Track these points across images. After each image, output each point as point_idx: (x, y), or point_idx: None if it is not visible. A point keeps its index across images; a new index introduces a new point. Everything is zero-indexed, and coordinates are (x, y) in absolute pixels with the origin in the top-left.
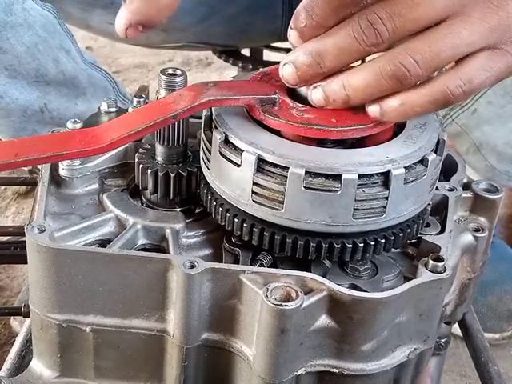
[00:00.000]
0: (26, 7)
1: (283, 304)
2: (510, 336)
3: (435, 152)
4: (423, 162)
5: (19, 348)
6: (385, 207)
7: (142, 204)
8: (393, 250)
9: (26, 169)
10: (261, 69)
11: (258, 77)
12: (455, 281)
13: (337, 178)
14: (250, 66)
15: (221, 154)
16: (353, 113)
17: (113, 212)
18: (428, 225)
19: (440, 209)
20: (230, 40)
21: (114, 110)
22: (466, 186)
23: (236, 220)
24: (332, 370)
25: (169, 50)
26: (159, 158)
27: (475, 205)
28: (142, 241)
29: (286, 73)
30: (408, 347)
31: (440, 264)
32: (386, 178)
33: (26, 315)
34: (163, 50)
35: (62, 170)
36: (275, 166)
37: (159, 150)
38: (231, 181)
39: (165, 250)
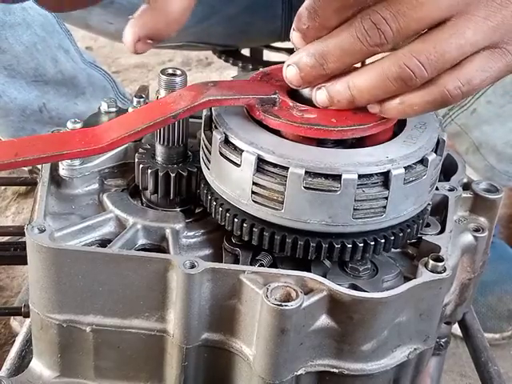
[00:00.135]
0: (24, 6)
1: (283, 304)
2: (510, 336)
3: (435, 152)
4: (423, 162)
5: (19, 348)
6: (384, 207)
7: (142, 204)
8: (393, 249)
9: (25, 169)
10: (261, 69)
11: (258, 77)
12: (455, 281)
13: (337, 177)
14: (250, 66)
15: (221, 153)
16: (353, 113)
17: (113, 212)
18: (428, 225)
19: (440, 209)
20: (230, 40)
21: (113, 109)
22: (466, 186)
23: (236, 220)
24: (332, 369)
25: (169, 50)
26: (159, 158)
27: (475, 205)
28: (142, 241)
29: (290, 74)
30: (408, 347)
31: (440, 264)
32: (385, 178)
33: (26, 315)
34: (163, 50)
35: (62, 170)
36: (275, 165)
37: (159, 150)
38: (231, 181)
39: (165, 250)
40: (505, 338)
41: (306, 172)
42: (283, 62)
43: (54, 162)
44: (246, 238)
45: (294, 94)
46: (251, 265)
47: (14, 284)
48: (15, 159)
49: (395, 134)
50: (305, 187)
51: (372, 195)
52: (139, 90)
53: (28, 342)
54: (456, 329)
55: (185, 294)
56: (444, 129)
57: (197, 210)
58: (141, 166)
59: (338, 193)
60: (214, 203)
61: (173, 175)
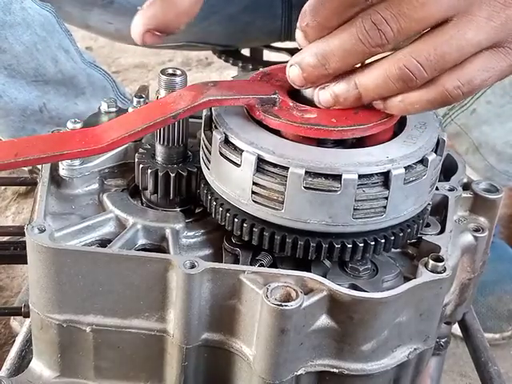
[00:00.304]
0: (24, 6)
1: (283, 304)
2: (510, 336)
3: (435, 152)
4: (423, 162)
5: (19, 348)
6: (385, 207)
7: (142, 204)
8: (393, 249)
9: (26, 169)
10: (261, 69)
11: (258, 77)
12: (455, 281)
13: (337, 177)
14: (250, 66)
15: (221, 154)
16: (353, 113)
17: (113, 212)
18: (428, 225)
19: (440, 209)
20: (230, 40)
21: (113, 109)
22: (466, 186)
23: (236, 220)
24: (332, 369)
25: (169, 50)
26: (159, 158)
27: (475, 205)
28: (141, 241)
29: (293, 74)
30: (408, 347)
31: (440, 264)
32: (385, 178)
33: (26, 315)
34: (163, 50)
35: (62, 170)
36: (275, 165)
37: (159, 150)
38: (231, 181)
39: (165, 250)
40: (505, 338)
41: (306, 172)
42: (283, 62)
43: (54, 162)
44: (246, 238)
45: (294, 94)
46: (251, 265)
47: (13, 284)
48: (15, 159)
49: (395, 134)
50: (305, 187)
51: (372, 195)
52: (139, 89)
53: (28, 342)
54: (456, 329)
55: (185, 294)
56: (444, 129)
57: (197, 210)
58: (141, 165)
59: (338, 193)
60: (214, 203)
61: (173, 175)
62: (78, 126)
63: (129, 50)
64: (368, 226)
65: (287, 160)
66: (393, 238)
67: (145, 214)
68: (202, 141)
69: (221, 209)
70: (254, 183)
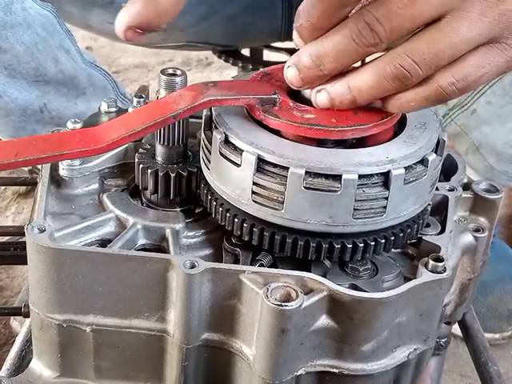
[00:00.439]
0: (25, 6)
1: (283, 304)
2: (509, 336)
3: (435, 152)
4: (423, 162)
5: (19, 348)
6: (385, 207)
7: (142, 204)
8: (393, 250)
9: (25, 169)
10: (261, 69)
11: (259, 77)
12: (455, 281)
13: (337, 178)
14: (250, 66)
15: (221, 153)
16: (353, 113)
17: (113, 212)
18: (428, 225)
19: (440, 209)
20: (230, 40)
21: (114, 110)
22: (466, 186)
23: (236, 220)
24: (332, 370)
25: (169, 50)
26: (159, 158)
27: (475, 205)
28: (142, 241)
29: (290, 75)
30: (408, 347)
31: (440, 264)
32: (386, 178)
33: (26, 315)
34: (163, 50)
35: (62, 170)
36: (275, 166)
37: (159, 150)
38: (231, 181)
39: (165, 250)
40: (505, 338)
41: (306, 172)
42: (283, 62)
43: (54, 161)
44: (246, 238)
45: (295, 94)
46: (251, 265)
47: (13, 284)
48: (15, 159)
49: (395, 134)
50: (305, 187)
51: (372, 195)
52: (139, 89)
53: (28, 342)
54: (456, 329)
55: (185, 294)
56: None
57: (197, 210)
58: (141, 166)
59: (339, 193)
60: (214, 203)
61: (173, 175)
62: (78, 126)
63: (129, 50)
64: (368, 226)
65: (287, 160)
66: (393, 238)
67: (145, 214)
68: (202, 141)
69: (221, 209)
70: (254, 183)
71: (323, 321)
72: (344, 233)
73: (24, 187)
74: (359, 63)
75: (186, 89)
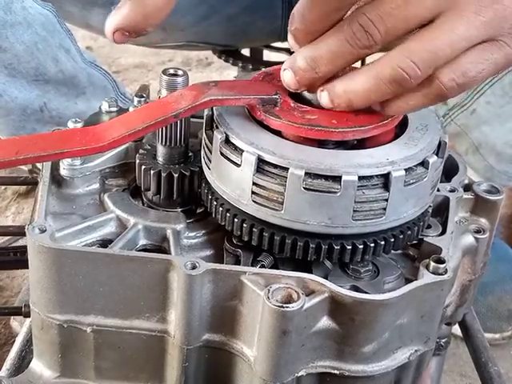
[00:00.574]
0: (25, 6)
1: (284, 305)
2: (509, 336)
3: (436, 154)
4: (424, 164)
5: (19, 348)
6: (384, 209)
7: (143, 204)
8: (393, 251)
9: (25, 168)
10: (262, 69)
11: (260, 77)
12: (456, 282)
13: (337, 179)
14: (250, 66)
15: (221, 153)
16: (354, 114)
17: (114, 212)
18: (429, 226)
19: (441, 210)
20: (230, 40)
21: (114, 109)
22: (467, 187)
23: (236, 220)
24: (333, 371)
25: (169, 50)
26: (160, 159)
27: (476, 206)
28: (142, 241)
29: (286, 78)
30: (409, 349)
31: (441, 266)
32: (386, 180)
33: (27, 315)
34: (163, 50)
35: (63, 170)
36: (275, 166)
37: (160, 151)
38: (231, 181)
39: (166, 251)
40: (505, 338)
41: (306, 173)
42: (284, 62)
43: (55, 160)
44: (245, 239)
45: (296, 95)
46: (252, 266)
47: (14, 284)
48: (16, 157)
49: (397, 136)
50: (305, 188)
51: (372, 197)
52: (140, 89)
53: (28, 342)
54: (456, 329)
55: (186, 294)
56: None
57: (198, 210)
58: (143, 166)
59: (338, 194)
60: (215, 203)
61: (176, 176)
62: (79, 125)
63: (129, 50)
64: (367, 228)
65: (287, 161)
66: (392, 240)
67: (146, 214)
68: (203, 140)
69: (221, 209)
70: (254, 183)
71: (324, 322)
72: (343, 234)
73: (24, 187)
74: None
75: (187, 88)
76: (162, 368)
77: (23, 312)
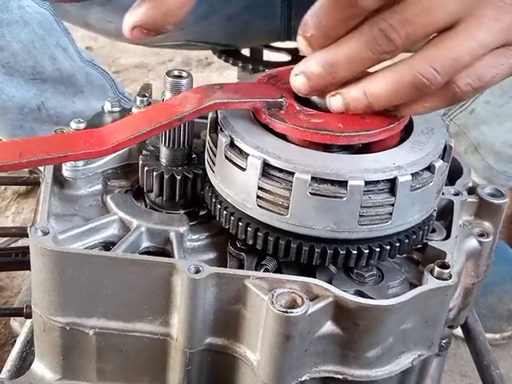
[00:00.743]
0: (22, 4)
1: (289, 311)
2: (509, 336)
3: (442, 158)
4: (430, 168)
5: (20, 349)
6: (391, 214)
7: (146, 206)
8: (398, 255)
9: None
10: (266, 70)
11: (265, 79)
12: (459, 286)
13: (343, 184)
14: (250, 66)
15: (226, 157)
16: (360, 118)
17: (116, 214)
18: (433, 230)
19: (445, 213)
20: (230, 39)
21: (117, 109)
22: (471, 191)
23: (240, 224)
24: (336, 376)
25: (169, 50)
26: (164, 160)
27: (480, 209)
28: (145, 243)
29: (298, 83)
30: (412, 353)
31: (446, 271)
32: (392, 185)
33: (28, 316)
34: (163, 50)
35: (66, 171)
36: (281, 170)
37: (164, 152)
38: (236, 184)
39: (169, 253)
40: (505, 338)
41: (312, 178)
42: (286, 63)
43: (59, 163)
44: (250, 242)
45: (301, 98)
46: (256, 269)
47: (14, 284)
48: (19, 160)
49: (402, 140)
50: (310, 193)
51: (378, 202)
52: (142, 88)
53: (29, 343)
54: (457, 329)
55: (189, 298)
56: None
57: (201, 213)
58: (145, 168)
59: (344, 199)
60: (219, 206)
61: (178, 178)
62: (82, 125)
63: (129, 50)
64: (373, 233)
65: (293, 165)
66: (398, 244)
67: (149, 216)
68: (207, 143)
69: (225, 212)
70: (260, 188)
71: (328, 327)
72: (349, 239)
73: (24, 187)
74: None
75: (191, 91)
76: (164, 371)
77: (25, 313)
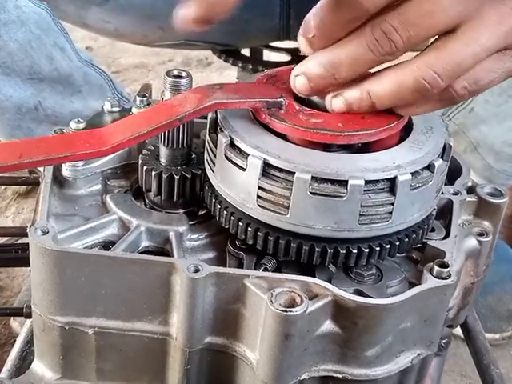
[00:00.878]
0: (18, 4)
1: (288, 310)
2: (509, 336)
3: (442, 157)
4: (430, 167)
5: (20, 349)
6: (391, 213)
7: (146, 205)
8: (397, 254)
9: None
10: (266, 70)
11: (264, 79)
12: (458, 285)
13: (343, 183)
14: (250, 66)
15: (226, 157)
16: (360, 118)
17: (116, 214)
18: (433, 229)
19: (444, 213)
20: (229, 38)
21: (117, 109)
22: (471, 190)
23: (240, 224)
24: (335, 375)
25: (169, 50)
26: (163, 160)
27: (479, 209)
28: (145, 243)
29: (299, 84)
30: (412, 352)
31: (445, 270)
32: (392, 184)
33: (28, 316)
34: (163, 50)
35: (65, 171)
36: (281, 170)
37: (163, 152)
38: (236, 184)
39: (168, 253)
40: (505, 338)
41: (313, 177)
42: (286, 63)
43: (59, 163)
44: (250, 242)
45: (301, 98)
46: (255, 269)
47: (14, 284)
48: (19, 161)
49: (401, 139)
50: (311, 192)
51: (378, 201)
52: (142, 88)
53: (29, 343)
54: (456, 329)
55: (189, 297)
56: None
57: (200, 212)
58: (144, 167)
59: (344, 198)
60: (219, 206)
61: (177, 177)
62: (82, 125)
63: (129, 50)
64: (373, 232)
65: (293, 165)
66: (398, 243)
67: (148, 215)
68: (207, 143)
69: (225, 212)
70: (260, 187)
71: (327, 326)
72: (349, 238)
73: (24, 187)
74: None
75: (191, 91)
76: (163, 370)
77: (24, 313)
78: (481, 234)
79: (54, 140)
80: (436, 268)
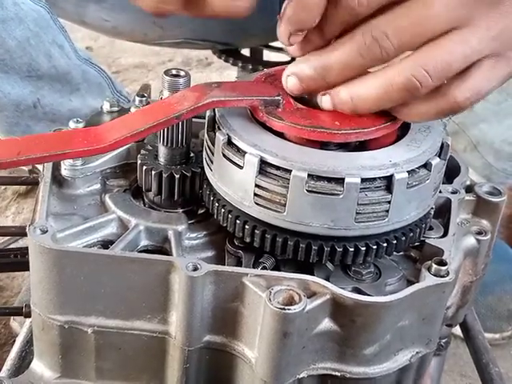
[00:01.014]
0: (17, 2)
1: (286, 308)
2: (509, 336)
3: (439, 156)
4: (427, 166)
5: (19, 348)
6: (387, 211)
7: (145, 205)
8: (395, 253)
9: (25, 168)
10: (265, 69)
11: (262, 78)
12: (457, 284)
13: (339, 181)
14: (250, 66)
15: (223, 155)
16: (357, 116)
17: (115, 213)
18: (431, 228)
19: (443, 211)
20: (228, 37)
21: (116, 109)
22: (469, 189)
23: (238, 222)
24: (334, 373)
25: (169, 50)
26: (162, 159)
27: (478, 208)
28: (144, 242)
29: (290, 84)
30: (410, 351)
31: (443, 268)
32: (388, 182)
33: (27, 315)
34: (163, 50)
35: (64, 170)
36: (278, 168)
37: (162, 151)
38: (234, 182)
39: (167, 252)
40: (504, 338)
41: (309, 175)
42: (285, 63)
43: (57, 160)
44: (247, 240)
45: (298, 96)
46: (254, 267)
47: (14, 284)
48: (18, 157)
49: (399, 138)
50: (307, 190)
51: (375, 199)
52: (141, 88)
53: (28, 343)
54: (456, 329)
55: (187, 296)
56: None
57: (199, 211)
58: (144, 167)
59: (341, 196)
60: (217, 204)
61: (177, 176)
62: (81, 125)
63: (129, 50)
64: (370, 230)
65: (290, 163)
66: (395, 242)
67: (147, 215)
68: (205, 142)
69: (223, 210)
70: (257, 185)
71: (326, 324)
72: (346, 236)
73: (24, 187)
74: None
75: (189, 89)
76: (162, 369)
77: (24, 312)
78: (479, 233)
79: (52, 137)
80: (434, 266)
